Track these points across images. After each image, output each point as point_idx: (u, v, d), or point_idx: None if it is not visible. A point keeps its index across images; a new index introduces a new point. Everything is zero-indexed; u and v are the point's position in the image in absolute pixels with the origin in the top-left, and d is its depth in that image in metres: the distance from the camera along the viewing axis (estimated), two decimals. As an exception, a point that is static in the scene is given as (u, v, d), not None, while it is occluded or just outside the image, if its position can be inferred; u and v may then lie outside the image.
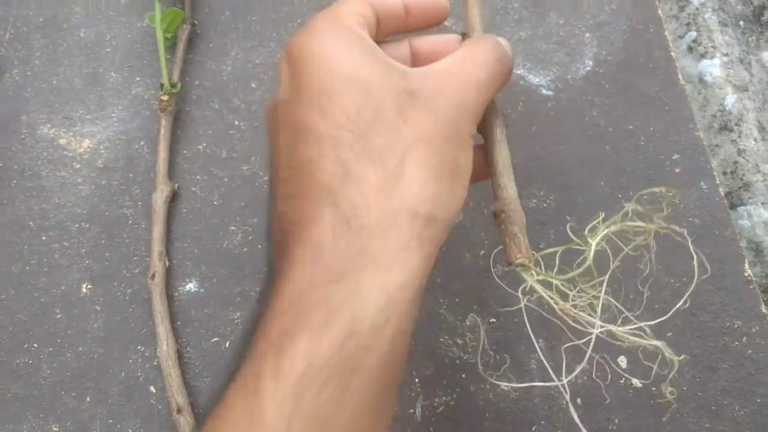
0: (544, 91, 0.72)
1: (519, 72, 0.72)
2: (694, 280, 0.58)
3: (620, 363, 0.60)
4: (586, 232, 0.40)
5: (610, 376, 0.59)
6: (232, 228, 0.65)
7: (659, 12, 0.77)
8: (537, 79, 0.73)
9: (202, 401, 0.58)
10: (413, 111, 0.34)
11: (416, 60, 0.44)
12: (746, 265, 0.63)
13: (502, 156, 0.41)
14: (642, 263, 0.64)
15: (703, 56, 0.78)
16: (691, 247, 0.46)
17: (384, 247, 0.31)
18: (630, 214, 0.41)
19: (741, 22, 0.86)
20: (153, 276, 0.60)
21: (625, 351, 0.60)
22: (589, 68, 0.74)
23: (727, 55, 0.77)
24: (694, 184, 0.67)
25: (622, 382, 0.59)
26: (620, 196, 0.67)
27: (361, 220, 0.31)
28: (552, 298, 0.37)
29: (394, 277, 0.32)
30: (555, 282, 0.38)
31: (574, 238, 0.40)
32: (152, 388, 0.58)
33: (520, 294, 0.41)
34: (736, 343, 0.60)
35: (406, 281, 0.32)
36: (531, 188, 0.66)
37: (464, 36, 0.44)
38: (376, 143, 0.32)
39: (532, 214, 0.66)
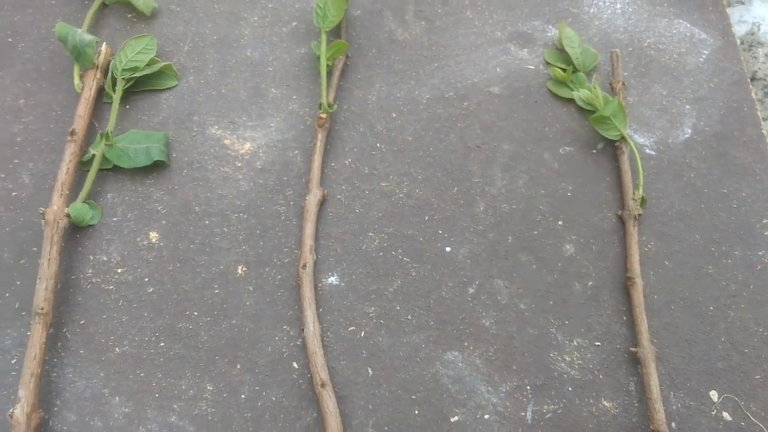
0: (647, 151, 0.81)
1: (628, 131, 0.81)
2: None
3: (711, 396, 0.67)
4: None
5: (702, 407, 0.66)
6: (371, 234, 0.73)
7: (752, 94, 0.86)
8: (641, 140, 0.82)
9: (339, 381, 0.65)
10: None
11: None
12: (829, 323, 0.70)
13: (656, 385, 0.64)
14: (732, 310, 0.71)
15: (785, 138, 0.87)
16: None
17: None
18: None
19: (819, 113, 0.96)
20: (304, 266, 0.68)
21: (716, 386, 0.67)
22: (688, 135, 0.83)
23: (809, 139, 0.86)
24: (781, 246, 0.75)
25: (713, 413, 0.65)
26: (713, 249, 0.75)
27: None
28: None
29: None
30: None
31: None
32: (295, 364, 0.66)
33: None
34: (819, 390, 0.66)
35: None
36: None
37: None
38: None
39: (635, 255, 0.74)
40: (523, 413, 0.65)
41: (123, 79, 0.77)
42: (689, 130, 0.83)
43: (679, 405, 0.66)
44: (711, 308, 0.71)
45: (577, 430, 0.64)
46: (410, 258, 0.72)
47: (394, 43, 0.87)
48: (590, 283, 0.72)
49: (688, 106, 0.85)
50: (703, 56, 0.90)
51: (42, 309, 0.62)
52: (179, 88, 0.81)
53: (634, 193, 0.76)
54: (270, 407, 0.63)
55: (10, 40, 0.83)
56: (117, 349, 0.64)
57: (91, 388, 0.62)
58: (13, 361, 0.63)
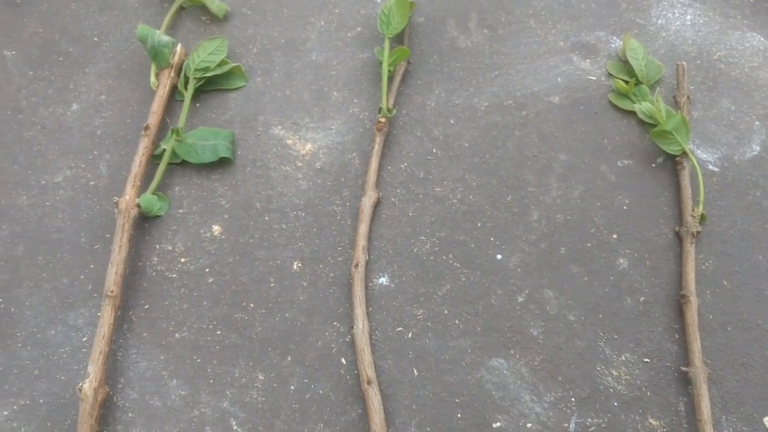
0: (710, 167, 0.80)
1: (690, 146, 0.80)
2: None
3: (765, 423, 0.65)
4: None
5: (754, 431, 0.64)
6: (422, 237, 0.75)
7: (828, 113, 0.83)
8: (705, 156, 0.80)
9: (385, 379, 0.67)
10: None
11: None
12: None
13: (707, 407, 0.63)
14: (793, 336, 0.69)
15: None
16: None
17: None
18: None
19: None
20: (356, 265, 0.71)
21: (771, 412, 0.65)
22: (756, 152, 0.80)
23: None
24: None
25: (765, 439, 0.64)
26: (776, 271, 0.72)
27: None
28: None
29: None
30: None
31: None
32: (343, 360, 0.68)
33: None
34: None
35: None
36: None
37: None
38: None
39: (692, 273, 0.72)
40: (566, 424, 0.65)
41: (195, 78, 0.81)
42: (758, 147, 0.81)
43: (731, 429, 0.64)
44: (770, 332, 0.69)
45: (621, 446, 0.64)
46: (460, 263, 0.73)
47: (456, 50, 0.88)
48: (642, 299, 0.71)
49: (757, 123, 0.83)
50: (777, 71, 0.87)
51: (112, 292, 0.66)
52: (247, 89, 0.85)
53: (693, 210, 0.74)
54: (317, 400, 0.65)
55: (95, 39, 0.89)
56: (177, 335, 0.68)
57: (151, 369, 0.66)
58: (84, 339, 0.68)
